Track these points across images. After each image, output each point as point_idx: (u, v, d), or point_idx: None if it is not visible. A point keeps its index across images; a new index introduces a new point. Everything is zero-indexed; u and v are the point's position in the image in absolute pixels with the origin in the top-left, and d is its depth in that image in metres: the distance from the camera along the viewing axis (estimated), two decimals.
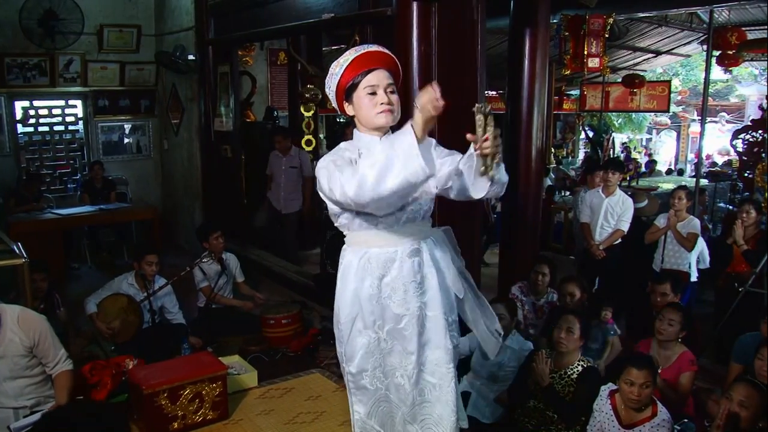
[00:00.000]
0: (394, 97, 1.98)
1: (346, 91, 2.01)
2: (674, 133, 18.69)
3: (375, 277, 2.04)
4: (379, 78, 1.95)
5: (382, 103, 1.95)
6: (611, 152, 9.64)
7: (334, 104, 2.09)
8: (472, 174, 1.84)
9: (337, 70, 2.00)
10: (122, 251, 7.07)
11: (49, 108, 7.67)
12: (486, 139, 1.70)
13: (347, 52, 2.01)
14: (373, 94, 1.96)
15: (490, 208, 8.03)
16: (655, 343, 3.30)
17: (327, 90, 2.07)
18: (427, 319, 2.08)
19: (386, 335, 2.07)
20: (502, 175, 1.86)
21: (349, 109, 2.05)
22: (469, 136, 1.72)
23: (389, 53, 2.03)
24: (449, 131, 3.79)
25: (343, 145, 2.09)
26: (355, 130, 2.09)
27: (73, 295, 5.06)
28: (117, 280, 4.41)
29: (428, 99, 1.64)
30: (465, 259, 2.34)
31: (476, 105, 1.71)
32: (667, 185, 8.12)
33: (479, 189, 1.86)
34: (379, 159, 1.69)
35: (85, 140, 7.94)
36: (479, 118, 1.70)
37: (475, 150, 1.75)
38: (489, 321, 2.27)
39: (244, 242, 6.46)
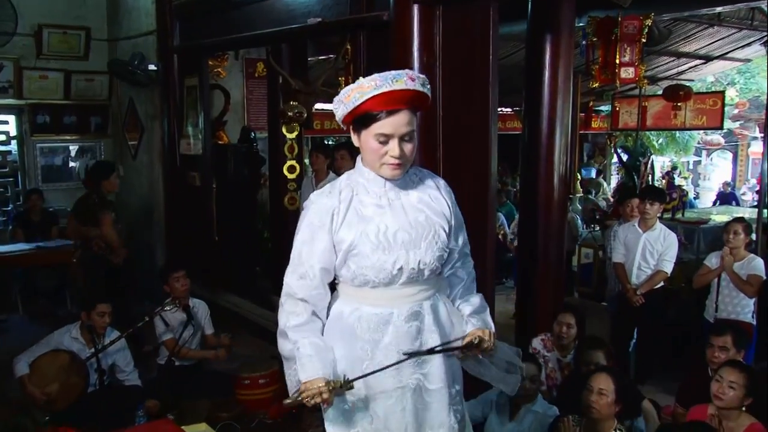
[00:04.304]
0: (409, 147, 2.02)
1: (355, 122, 2.04)
2: (730, 155, 18.76)
3: (366, 341, 2.06)
4: (396, 125, 1.98)
5: (392, 156, 2.00)
6: (650, 178, 9.71)
7: (339, 121, 2.12)
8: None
9: (351, 98, 1.98)
10: (65, 298, 7.03)
11: None
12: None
13: (367, 82, 1.97)
14: (384, 143, 2.00)
15: (508, 243, 8.12)
16: (713, 410, 3.26)
17: (334, 107, 2.08)
18: (427, 393, 2.11)
19: (376, 412, 2.09)
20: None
21: (354, 140, 2.10)
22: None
23: (420, 91, 2.00)
24: (455, 151, 3.92)
25: (339, 182, 2.15)
26: (359, 159, 2.14)
27: None
28: (57, 334, 4.41)
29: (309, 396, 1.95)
30: None
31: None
32: (721, 217, 8.18)
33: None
34: (288, 349, 2.12)
35: (19, 164, 7.94)
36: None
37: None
38: (501, 355, 2.27)
39: (214, 286, 6.50)
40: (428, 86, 2.04)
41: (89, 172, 6.25)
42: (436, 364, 2.11)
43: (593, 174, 14.52)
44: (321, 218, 2.07)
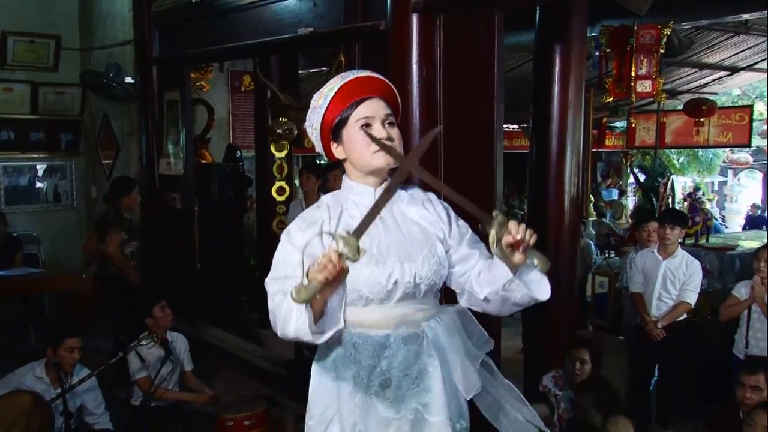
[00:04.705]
0: (395, 132, 2.08)
1: (334, 129, 2.10)
2: (759, 174, 18.82)
3: (361, 368, 2.06)
4: (373, 108, 2.06)
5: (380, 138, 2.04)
6: (670, 201, 9.76)
7: (319, 148, 2.18)
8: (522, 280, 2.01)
9: (320, 102, 2.08)
10: (28, 333, 7.00)
11: None
12: (517, 240, 1.88)
13: (332, 80, 2.10)
14: (367, 127, 2.05)
15: None
16: None
17: (309, 129, 2.15)
18: (427, 426, 2.08)
19: None
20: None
21: (338, 152, 2.13)
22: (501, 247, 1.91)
23: (385, 80, 2.13)
24: (458, 171, 3.94)
25: (325, 198, 2.19)
26: (344, 177, 2.18)
27: None
28: (18, 373, 4.39)
29: (323, 266, 1.75)
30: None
31: (493, 215, 1.90)
32: (750, 243, 8.22)
33: (544, 289, 2.03)
34: (286, 303, 1.88)
35: None
36: (493, 233, 1.90)
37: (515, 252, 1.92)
38: (526, 413, 2.25)
39: (196, 319, 6.48)
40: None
41: (110, 188, 6.50)
42: (437, 392, 2.08)
43: (615, 195, 14.63)
44: (309, 224, 2.09)
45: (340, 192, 2.18)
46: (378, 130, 2.04)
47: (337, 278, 1.76)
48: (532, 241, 1.89)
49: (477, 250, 2.18)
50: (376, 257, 2.04)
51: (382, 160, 2.05)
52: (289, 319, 1.87)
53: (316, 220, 2.10)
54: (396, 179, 1.97)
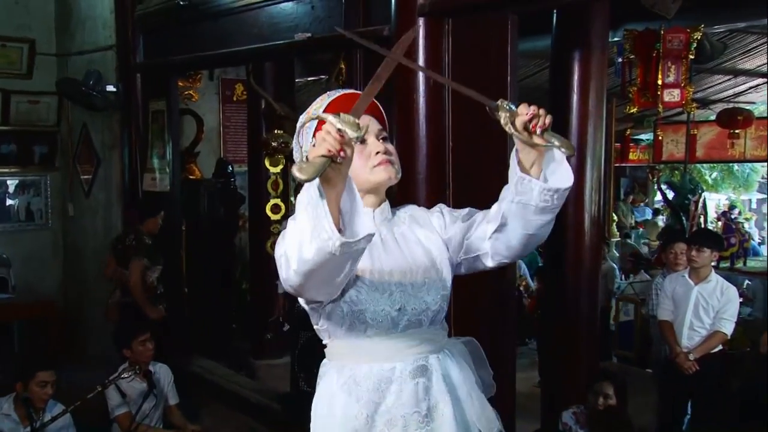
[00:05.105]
0: (390, 147, 2.12)
1: None
2: None
3: (363, 405, 2.06)
4: (365, 123, 2.03)
5: (377, 153, 2.06)
6: (702, 220, 9.74)
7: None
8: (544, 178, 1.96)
9: (309, 123, 2.10)
10: None
11: None
12: (531, 116, 1.87)
13: (318, 100, 2.14)
14: (362, 142, 2.06)
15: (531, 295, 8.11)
16: None
17: (297, 154, 2.16)
18: None
19: None
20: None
21: None
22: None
23: (374, 101, 2.14)
24: (468, 189, 3.97)
25: None
26: None
27: None
28: None
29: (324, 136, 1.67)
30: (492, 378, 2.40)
31: (498, 103, 1.93)
32: None
33: (564, 175, 1.97)
34: (297, 224, 1.77)
35: None
36: (504, 116, 1.92)
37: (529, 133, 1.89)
38: None
39: (182, 348, 6.49)
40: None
41: (137, 206, 6.57)
42: (446, 421, 2.08)
43: (648, 215, 14.60)
44: None
45: None
46: (374, 145, 2.08)
47: (341, 153, 1.66)
48: (548, 120, 1.88)
49: (481, 212, 2.16)
50: (378, 282, 2.05)
51: (383, 174, 2.08)
52: (305, 236, 1.71)
53: None
54: (383, 71, 1.91)
